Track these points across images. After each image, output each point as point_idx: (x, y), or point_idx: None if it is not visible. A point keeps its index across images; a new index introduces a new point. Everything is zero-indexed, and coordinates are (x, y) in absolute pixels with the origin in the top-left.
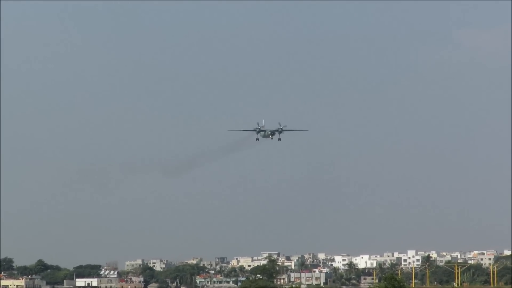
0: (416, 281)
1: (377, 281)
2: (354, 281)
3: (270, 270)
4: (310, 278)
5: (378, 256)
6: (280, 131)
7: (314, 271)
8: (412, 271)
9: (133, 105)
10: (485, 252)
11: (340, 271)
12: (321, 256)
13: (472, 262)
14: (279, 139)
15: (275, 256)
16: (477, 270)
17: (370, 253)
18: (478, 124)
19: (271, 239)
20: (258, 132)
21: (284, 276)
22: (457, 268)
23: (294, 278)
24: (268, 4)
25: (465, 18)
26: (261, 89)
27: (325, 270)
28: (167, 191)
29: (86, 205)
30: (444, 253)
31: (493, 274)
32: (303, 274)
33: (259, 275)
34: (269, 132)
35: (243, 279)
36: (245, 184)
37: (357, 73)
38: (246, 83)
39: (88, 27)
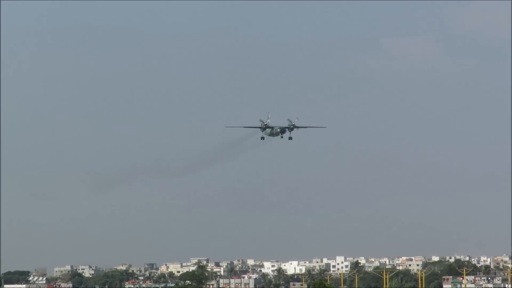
0: (345, 287)
1: (306, 287)
2: (283, 287)
3: (199, 276)
4: (239, 284)
5: (307, 262)
6: (292, 128)
7: (243, 277)
8: (341, 277)
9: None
10: (413, 258)
11: (269, 277)
12: (250, 262)
13: (401, 268)
14: (290, 138)
15: (204, 262)
16: (405, 276)
17: (299, 259)
18: (407, 129)
19: (200, 245)
20: (264, 129)
21: (213, 282)
22: (386, 274)
23: (223, 284)
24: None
25: (392, 25)
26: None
27: (254, 276)
28: (97, 199)
29: (15, 211)
30: (373, 259)
31: (421, 280)
32: (232, 280)
33: (188, 281)
34: (278, 129)
35: (172, 285)
36: (175, 190)
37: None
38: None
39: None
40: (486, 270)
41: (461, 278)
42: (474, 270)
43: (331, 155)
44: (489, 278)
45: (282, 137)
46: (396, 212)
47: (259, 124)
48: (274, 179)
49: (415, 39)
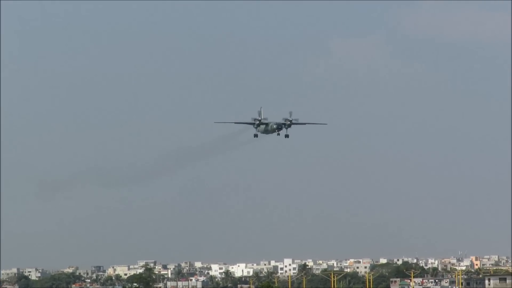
0: None
1: None
2: None
3: (147, 279)
4: (187, 287)
5: (255, 265)
6: (289, 124)
7: (191, 280)
8: (288, 279)
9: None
10: (361, 260)
11: (216, 279)
12: (198, 264)
13: (348, 270)
14: (287, 136)
15: (152, 265)
16: (353, 278)
17: (246, 261)
18: (354, 130)
19: (148, 247)
20: (258, 125)
21: (161, 284)
22: (333, 276)
23: (171, 286)
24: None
25: (341, 27)
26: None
27: (202, 278)
28: (44, 202)
29: None
30: (321, 261)
31: (369, 282)
32: (179, 283)
33: (135, 284)
34: (274, 126)
35: (120, 287)
36: (122, 193)
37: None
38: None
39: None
40: (434, 273)
41: (409, 281)
42: (421, 272)
43: (282, 157)
44: (436, 281)
45: (279, 134)
46: (344, 214)
47: (258, 118)
48: (222, 182)
49: (363, 40)
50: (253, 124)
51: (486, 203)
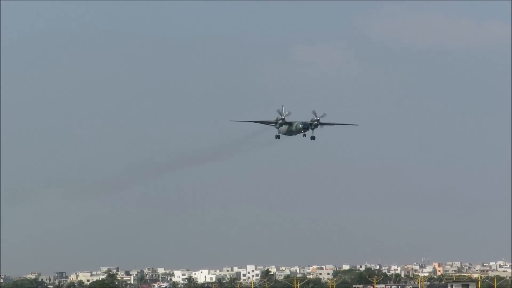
0: None
1: None
2: None
3: (109, 285)
4: None
5: (218, 271)
6: (316, 124)
7: (154, 286)
8: (251, 285)
9: None
10: (324, 266)
11: (179, 285)
12: (161, 270)
13: (311, 276)
14: (313, 138)
15: (114, 271)
16: (316, 285)
17: (209, 267)
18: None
19: (110, 253)
20: (281, 125)
21: None
22: (296, 283)
23: None
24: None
25: (303, 32)
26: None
27: (165, 284)
28: (7, 208)
29: None
30: (283, 268)
31: None
32: None
33: None
34: (300, 125)
35: None
36: (85, 201)
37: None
38: None
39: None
40: (397, 279)
41: (372, 287)
42: (384, 278)
43: (240, 165)
44: (399, 287)
45: (305, 135)
46: (306, 220)
47: (281, 117)
48: (186, 190)
49: (325, 45)
50: (275, 123)
51: (447, 210)
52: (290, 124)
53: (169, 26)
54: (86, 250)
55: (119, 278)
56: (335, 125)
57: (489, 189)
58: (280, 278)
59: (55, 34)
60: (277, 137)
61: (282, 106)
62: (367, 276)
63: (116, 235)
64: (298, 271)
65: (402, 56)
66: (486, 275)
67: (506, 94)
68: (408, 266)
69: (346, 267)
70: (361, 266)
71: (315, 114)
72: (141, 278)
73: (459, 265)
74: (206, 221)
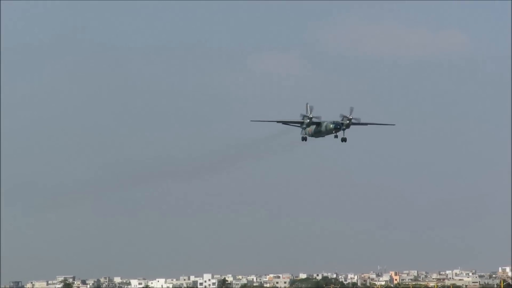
0: None
1: None
2: None
3: None
4: None
5: (174, 280)
6: (348, 123)
7: None
8: None
9: None
10: (280, 275)
11: None
12: (117, 279)
13: (268, 285)
14: (344, 140)
15: (71, 280)
16: None
17: (166, 276)
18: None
19: (67, 262)
20: (308, 125)
21: None
22: None
23: None
24: None
25: (257, 42)
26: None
27: None
28: None
29: None
30: (240, 277)
31: None
32: None
33: None
34: (331, 125)
35: None
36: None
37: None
38: None
39: None
40: (354, 287)
41: None
42: (341, 287)
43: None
44: None
45: (336, 136)
46: (263, 229)
47: (308, 116)
48: (142, 198)
49: (280, 55)
50: (301, 123)
51: (404, 218)
52: (318, 124)
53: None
54: (42, 259)
55: (75, 287)
56: (368, 125)
57: (445, 197)
58: (236, 287)
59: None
60: (304, 139)
61: (307, 104)
62: (324, 285)
63: (72, 244)
64: (255, 279)
65: (358, 65)
66: (442, 283)
67: (462, 102)
68: (365, 274)
69: (303, 275)
70: (318, 275)
71: (350, 111)
72: (97, 287)
73: (415, 274)
74: (162, 229)
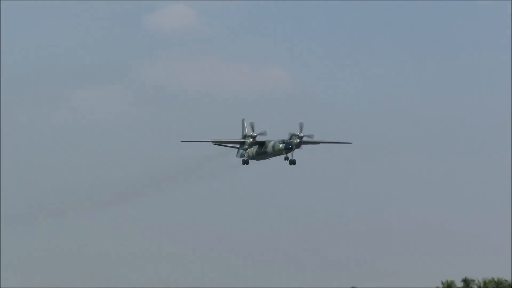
0: None
1: None
2: None
3: None
4: None
5: None
6: (299, 143)
7: None
8: None
9: None
10: None
11: None
12: None
13: None
14: (292, 162)
15: None
16: None
17: None
18: None
19: None
20: (250, 146)
21: None
22: None
23: None
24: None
25: (82, 76)
26: None
27: None
28: None
29: None
30: None
31: None
32: None
33: None
34: (280, 145)
35: None
36: None
37: None
38: None
39: None
40: None
41: None
42: None
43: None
44: None
45: (287, 157)
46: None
47: (251, 134)
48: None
49: (103, 89)
50: (242, 144)
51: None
52: (262, 144)
53: None
54: None
55: None
56: (321, 144)
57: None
58: None
59: None
60: (245, 162)
61: (243, 120)
62: None
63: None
64: None
65: (180, 98)
66: None
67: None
68: None
69: None
70: None
71: (300, 128)
72: None
73: None
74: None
